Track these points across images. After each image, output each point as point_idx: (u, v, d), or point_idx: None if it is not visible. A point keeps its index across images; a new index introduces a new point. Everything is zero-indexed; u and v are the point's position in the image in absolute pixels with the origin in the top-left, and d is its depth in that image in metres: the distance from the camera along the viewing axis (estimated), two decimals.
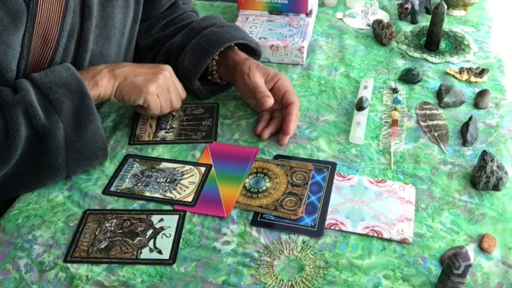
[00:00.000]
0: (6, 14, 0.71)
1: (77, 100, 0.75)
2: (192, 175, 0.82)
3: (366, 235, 0.72)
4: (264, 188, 0.80)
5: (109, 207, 0.78)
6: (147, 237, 0.72)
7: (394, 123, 0.91)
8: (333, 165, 0.84)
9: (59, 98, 0.73)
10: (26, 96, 0.71)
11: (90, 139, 0.78)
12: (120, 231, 0.73)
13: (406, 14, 1.21)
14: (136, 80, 0.83)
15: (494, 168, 0.77)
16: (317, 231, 0.73)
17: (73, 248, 0.71)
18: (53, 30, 0.79)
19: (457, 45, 1.12)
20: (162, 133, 0.91)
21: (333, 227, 0.73)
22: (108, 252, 0.70)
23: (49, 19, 0.78)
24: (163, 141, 0.89)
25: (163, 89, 0.86)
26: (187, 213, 0.76)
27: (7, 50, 0.73)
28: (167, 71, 0.87)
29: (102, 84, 0.81)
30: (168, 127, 0.92)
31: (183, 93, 0.91)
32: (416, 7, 1.20)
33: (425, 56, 1.09)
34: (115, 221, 0.75)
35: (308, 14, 1.18)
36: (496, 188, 0.78)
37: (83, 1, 0.82)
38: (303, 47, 1.07)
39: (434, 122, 0.92)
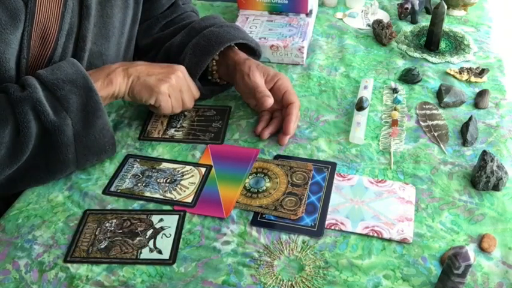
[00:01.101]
0: (4, 13, 0.72)
1: (84, 96, 0.76)
2: (192, 176, 0.82)
3: (366, 235, 0.72)
4: (264, 188, 0.80)
5: (109, 207, 0.78)
6: (147, 237, 0.72)
7: (394, 123, 0.91)
8: (333, 165, 0.84)
9: (66, 94, 0.74)
10: (33, 93, 0.72)
11: (98, 134, 0.79)
12: (120, 231, 0.73)
13: (406, 14, 1.21)
14: (148, 80, 0.84)
15: (494, 168, 0.77)
16: (317, 231, 0.73)
17: (73, 248, 0.71)
18: (51, 29, 0.80)
19: (457, 45, 1.12)
20: (171, 131, 0.91)
21: (333, 227, 0.73)
22: (108, 252, 0.70)
23: (47, 18, 0.79)
24: (171, 139, 0.90)
25: (175, 89, 0.86)
26: (187, 213, 0.76)
27: (6, 48, 0.74)
28: (180, 71, 0.87)
29: (116, 82, 0.82)
30: (178, 126, 0.92)
31: (196, 93, 0.92)
32: (416, 7, 1.20)
33: (425, 56, 1.09)
34: (115, 221, 0.75)
35: (308, 14, 1.18)
36: (496, 188, 0.78)
37: (81, 1, 0.82)
38: (303, 47, 1.07)
39: (434, 122, 0.92)
